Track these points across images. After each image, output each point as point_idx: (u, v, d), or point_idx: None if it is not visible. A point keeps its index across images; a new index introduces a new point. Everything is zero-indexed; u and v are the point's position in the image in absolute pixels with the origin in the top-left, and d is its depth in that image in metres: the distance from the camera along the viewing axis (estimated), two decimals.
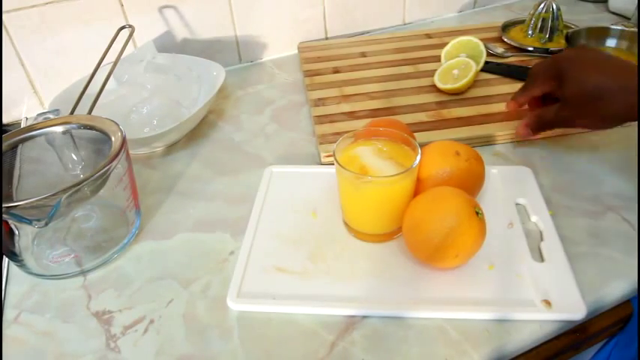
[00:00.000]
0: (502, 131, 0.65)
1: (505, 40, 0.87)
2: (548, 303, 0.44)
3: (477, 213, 0.45)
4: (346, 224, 0.53)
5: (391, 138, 0.51)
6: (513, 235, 0.51)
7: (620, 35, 0.79)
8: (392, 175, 0.46)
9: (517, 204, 0.54)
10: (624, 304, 0.48)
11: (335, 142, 0.50)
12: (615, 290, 0.46)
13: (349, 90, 0.76)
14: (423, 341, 0.42)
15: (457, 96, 0.73)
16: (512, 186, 0.56)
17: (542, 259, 0.48)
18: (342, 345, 0.43)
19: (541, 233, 0.51)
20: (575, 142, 0.64)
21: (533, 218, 0.53)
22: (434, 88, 0.75)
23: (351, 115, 0.70)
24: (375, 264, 0.49)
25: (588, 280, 0.46)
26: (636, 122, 0.53)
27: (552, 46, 0.84)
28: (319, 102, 0.74)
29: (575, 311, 0.43)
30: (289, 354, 0.42)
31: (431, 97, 0.73)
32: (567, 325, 0.44)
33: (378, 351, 0.42)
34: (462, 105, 0.71)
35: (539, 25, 0.86)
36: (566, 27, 0.87)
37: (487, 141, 0.65)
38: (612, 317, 0.48)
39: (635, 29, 0.78)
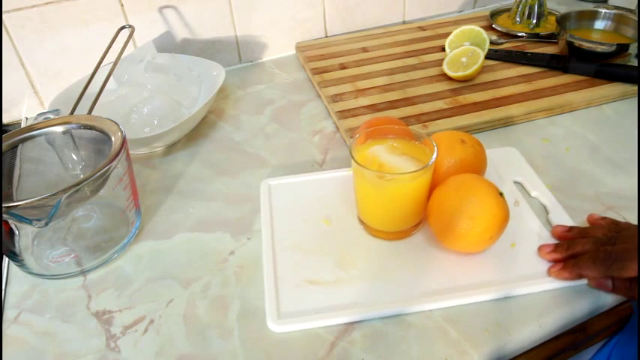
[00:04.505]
0: (519, 112, 0.68)
1: (496, 27, 0.91)
2: None
3: (501, 194, 0.46)
4: (365, 225, 0.52)
5: (399, 134, 0.51)
6: (522, 212, 0.52)
7: (608, 17, 0.82)
8: (414, 171, 0.46)
9: (515, 182, 0.56)
10: (624, 304, 0.48)
11: None
12: None
13: (362, 84, 0.77)
14: (423, 341, 0.42)
15: (467, 83, 0.75)
16: (506, 166, 0.58)
17: None
18: (342, 345, 0.43)
19: (545, 207, 0.53)
20: (576, 141, 0.64)
21: (534, 193, 0.55)
22: (443, 77, 0.76)
23: (372, 108, 0.71)
24: (403, 260, 0.49)
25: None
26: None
27: (541, 31, 0.88)
28: (336, 97, 0.74)
29: None
30: (289, 354, 0.42)
31: (443, 86, 0.75)
32: (567, 325, 0.44)
33: (377, 351, 0.42)
34: (474, 91, 0.73)
35: (526, 12, 0.90)
36: (550, 13, 0.91)
37: (505, 122, 0.68)
38: (612, 317, 0.48)
39: (620, 11, 0.81)
